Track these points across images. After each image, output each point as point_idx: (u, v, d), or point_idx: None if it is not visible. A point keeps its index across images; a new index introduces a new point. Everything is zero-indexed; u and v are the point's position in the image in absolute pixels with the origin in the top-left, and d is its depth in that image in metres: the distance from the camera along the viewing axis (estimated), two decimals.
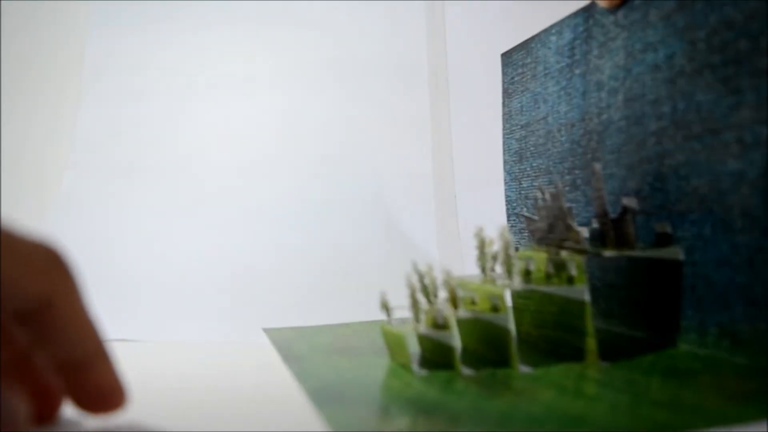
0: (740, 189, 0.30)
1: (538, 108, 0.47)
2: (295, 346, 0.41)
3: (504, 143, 0.53)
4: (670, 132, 0.34)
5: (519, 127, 0.50)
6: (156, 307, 0.52)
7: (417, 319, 0.34)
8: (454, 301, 0.35)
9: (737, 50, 0.29)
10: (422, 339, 0.35)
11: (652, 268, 0.36)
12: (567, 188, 0.44)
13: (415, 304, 0.35)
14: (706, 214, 0.32)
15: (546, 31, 0.47)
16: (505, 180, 0.53)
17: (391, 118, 0.61)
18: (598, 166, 0.37)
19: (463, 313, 0.34)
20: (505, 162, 0.53)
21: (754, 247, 0.30)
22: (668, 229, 0.35)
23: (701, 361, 0.32)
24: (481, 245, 0.39)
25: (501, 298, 0.34)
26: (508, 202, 0.52)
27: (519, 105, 0.50)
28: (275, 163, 0.63)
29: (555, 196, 0.38)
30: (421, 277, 0.35)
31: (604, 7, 0.39)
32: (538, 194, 0.39)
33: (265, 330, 0.46)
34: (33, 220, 0.62)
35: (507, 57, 0.52)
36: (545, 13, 0.43)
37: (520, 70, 0.50)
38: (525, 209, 0.50)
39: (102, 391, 0.25)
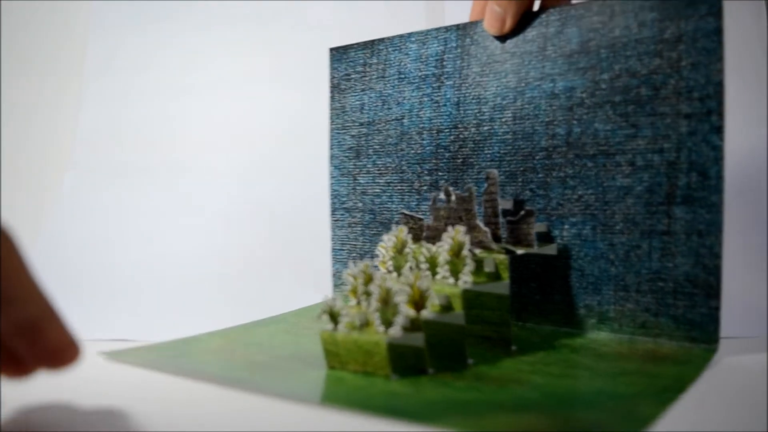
0: (626, 199, 0.39)
1: (389, 109, 0.50)
2: (197, 366, 0.36)
3: (333, 138, 0.53)
4: (562, 149, 0.41)
5: (358, 124, 0.52)
6: (156, 307, 0.52)
7: (387, 324, 0.34)
8: (418, 303, 0.35)
9: (639, 94, 0.38)
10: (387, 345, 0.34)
11: (531, 262, 0.43)
12: (426, 187, 0.48)
13: (384, 310, 0.34)
14: (587, 218, 0.41)
15: (401, 37, 0.49)
16: (332, 174, 0.53)
17: None
18: (494, 172, 0.42)
19: (427, 314, 0.35)
20: (333, 157, 0.53)
21: (632, 245, 0.39)
22: (546, 229, 0.42)
23: (582, 338, 0.40)
24: (400, 245, 0.40)
25: (457, 297, 0.36)
26: (336, 196, 0.53)
27: (358, 103, 0.52)
28: (275, 163, 0.63)
29: (464, 199, 0.41)
30: (384, 281, 0.35)
31: (490, 33, 0.44)
32: (442, 195, 0.42)
33: (109, 354, 0.38)
34: (33, 220, 0.65)
35: (340, 53, 0.53)
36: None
37: (360, 69, 0.52)
38: (361, 204, 0.51)
39: (55, 347, 0.27)
